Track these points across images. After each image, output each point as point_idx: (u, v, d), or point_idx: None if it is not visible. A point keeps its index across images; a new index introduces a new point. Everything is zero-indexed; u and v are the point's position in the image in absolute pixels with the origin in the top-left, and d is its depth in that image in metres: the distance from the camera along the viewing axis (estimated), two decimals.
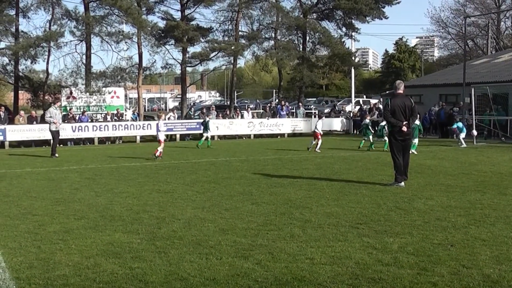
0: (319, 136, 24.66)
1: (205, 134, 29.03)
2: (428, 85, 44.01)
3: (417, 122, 22.46)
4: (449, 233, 8.73)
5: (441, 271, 6.79)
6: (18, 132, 32.02)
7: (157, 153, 21.68)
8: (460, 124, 27.72)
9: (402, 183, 13.69)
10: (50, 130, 24.68)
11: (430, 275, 6.62)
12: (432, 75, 52.85)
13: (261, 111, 46.69)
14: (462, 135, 27.01)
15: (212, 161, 20.39)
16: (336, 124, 41.67)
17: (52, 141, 25.08)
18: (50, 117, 24.33)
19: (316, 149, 24.34)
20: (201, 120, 32.29)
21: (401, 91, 14.04)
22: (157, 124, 23.34)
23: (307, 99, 67.07)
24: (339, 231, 8.87)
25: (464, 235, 8.64)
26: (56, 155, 23.66)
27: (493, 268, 6.93)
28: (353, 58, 49.53)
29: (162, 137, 22.45)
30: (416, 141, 22.53)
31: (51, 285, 6.39)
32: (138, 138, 35.23)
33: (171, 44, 42.32)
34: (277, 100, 52.40)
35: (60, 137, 26.17)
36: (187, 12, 41.87)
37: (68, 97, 38.12)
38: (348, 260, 7.24)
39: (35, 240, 8.45)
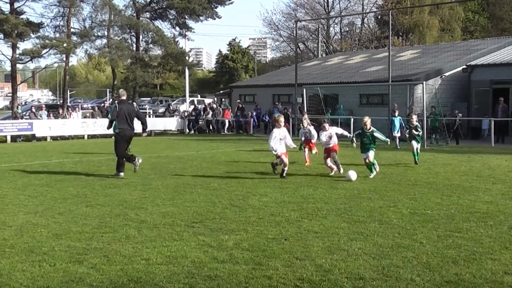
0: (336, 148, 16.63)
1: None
2: (262, 85, 45.13)
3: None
4: (283, 228, 8.96)
5: (275, 264, 6.95)
6: None
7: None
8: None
9: (122, 174, 15.82)
10: None
11: (265, 269, 6.75)
12: (265, 76, 54.28)
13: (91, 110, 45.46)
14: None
15: (45, 163, 19.52)
16: (171, 123, 41.57)
17: None
18: None
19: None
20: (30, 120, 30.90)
21: (124, 98, 16.41)
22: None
23: (142, 98, 66.57)
24: (174, 231, 8.83)
25: (297, 228, 8.91)
26: None
27: (325, 258, 7.21)
28: (187, 57, 49.70)
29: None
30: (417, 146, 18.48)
31: None
32: None
33: (0, 39, 40.24)
34: (111, 100, 51.44)
35: None
36: (16, 5, 39.99)
37: None
38: (184, 259, 7.22)
39: None
